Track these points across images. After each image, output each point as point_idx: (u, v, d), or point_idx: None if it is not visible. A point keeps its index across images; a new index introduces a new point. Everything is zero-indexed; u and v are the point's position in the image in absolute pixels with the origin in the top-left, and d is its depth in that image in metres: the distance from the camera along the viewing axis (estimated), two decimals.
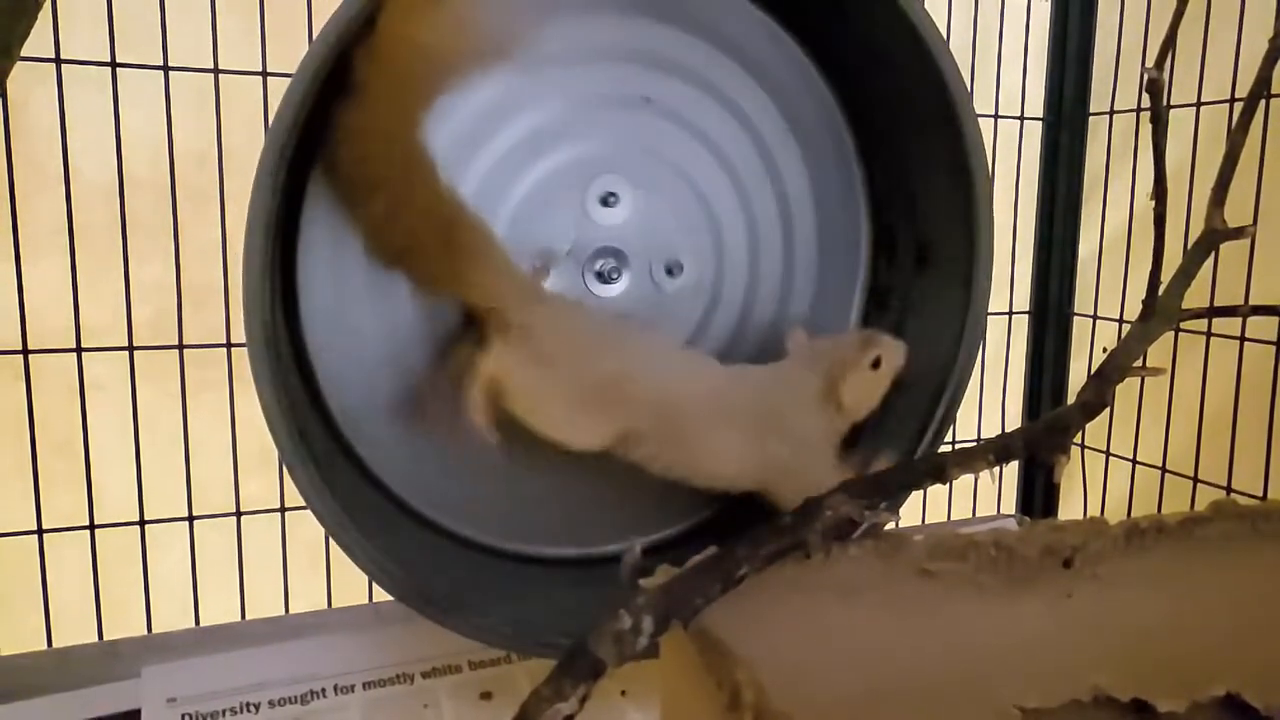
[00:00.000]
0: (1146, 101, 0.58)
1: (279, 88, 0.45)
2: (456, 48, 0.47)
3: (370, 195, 0.48)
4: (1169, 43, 0.57)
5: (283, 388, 0.47)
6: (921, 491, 0.69)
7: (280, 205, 0.46)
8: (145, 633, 0.62)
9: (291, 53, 0.46)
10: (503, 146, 0.55)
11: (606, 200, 0.57)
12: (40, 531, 0.60)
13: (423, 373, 0.54)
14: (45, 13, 0.39)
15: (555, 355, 0.51)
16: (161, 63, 0.59)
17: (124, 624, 0.62)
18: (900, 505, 0.57)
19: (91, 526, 0.61)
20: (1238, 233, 0.56)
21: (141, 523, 0.62)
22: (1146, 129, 0.58)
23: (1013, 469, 0.90)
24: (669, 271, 0.59)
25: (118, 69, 0.58)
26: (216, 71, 0.60)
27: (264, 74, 0.61)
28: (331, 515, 0.48)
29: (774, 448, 0.54)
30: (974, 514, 0.85)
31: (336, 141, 0.47)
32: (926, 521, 0.82)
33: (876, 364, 0.56)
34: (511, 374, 0.50)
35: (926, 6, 0.56)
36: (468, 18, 0.47)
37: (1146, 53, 0.75)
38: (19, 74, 0.40)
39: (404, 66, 0.46)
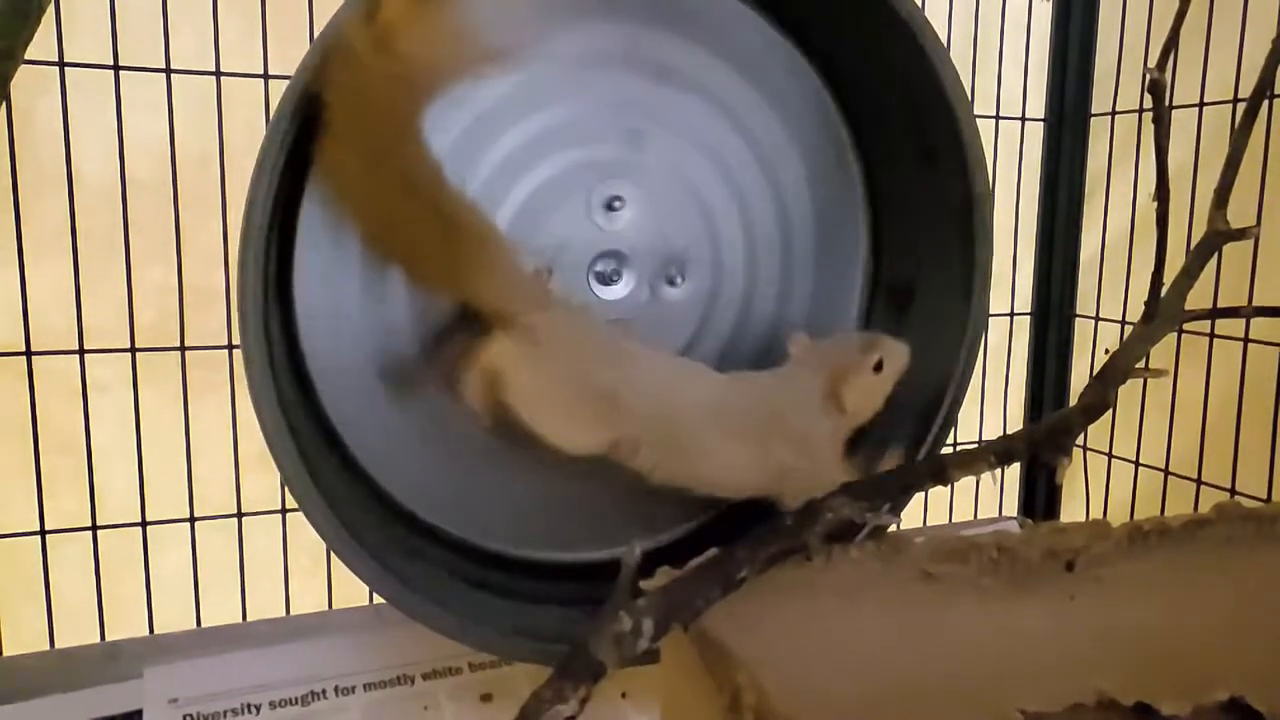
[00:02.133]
0: (1149, 102, 0.57)
1: (280, 90, 0.45)
2: (443, 57, 0.46)
3: (365, 213, 0.48)
4: (1171, 43, 0.57)
5: (280, 407, 0.47)
6: (923, 493, 0.69)
7: (274, 217, 0.47)
8: (147, 633, 0.63)
9: (293, 56, 0.46)
10: (507, 147, 0.55)
11: (611, 205, 0.57)
12: (43, 532, 0.60)
13: (416, 357, 0.54)
14: (48, 16, 0.39)
15: (557, 359, 0.51)
16: (164, 66, 0.59)
17: (126, 625, 0.62)
18: (902, 507, 0.57)
19: (94, 528, 0.61)
20: (1241, 234, 0.56)
21: (143, 524, 0.62)
22: (1148, 130, 0.58)
23: (1014, 471, 0.90)
24: (670, 281, 0.59)
25: (120, 72, 0.58)
26: (218, 74, 0.61)
27: (265, 76, 0.61)
28: (330, 526, 0.48)
29: (778, 454, 0.54)
30: (975, 516, 0.85)
31: (322, 171, 0.46)
32: (928, 523, 0.82)
33: (879, 366, 0.55)
34: (512, 367, 0.50)
35: (927, 8, 0.56)
36: (452, 26, 0.46)
37: (1149, 53, 0.75)
38: (22, 77, 0.40)
39: (382, 84, 0.45)
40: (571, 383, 0.51)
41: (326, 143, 0.45)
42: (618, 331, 0.56)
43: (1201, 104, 0.72)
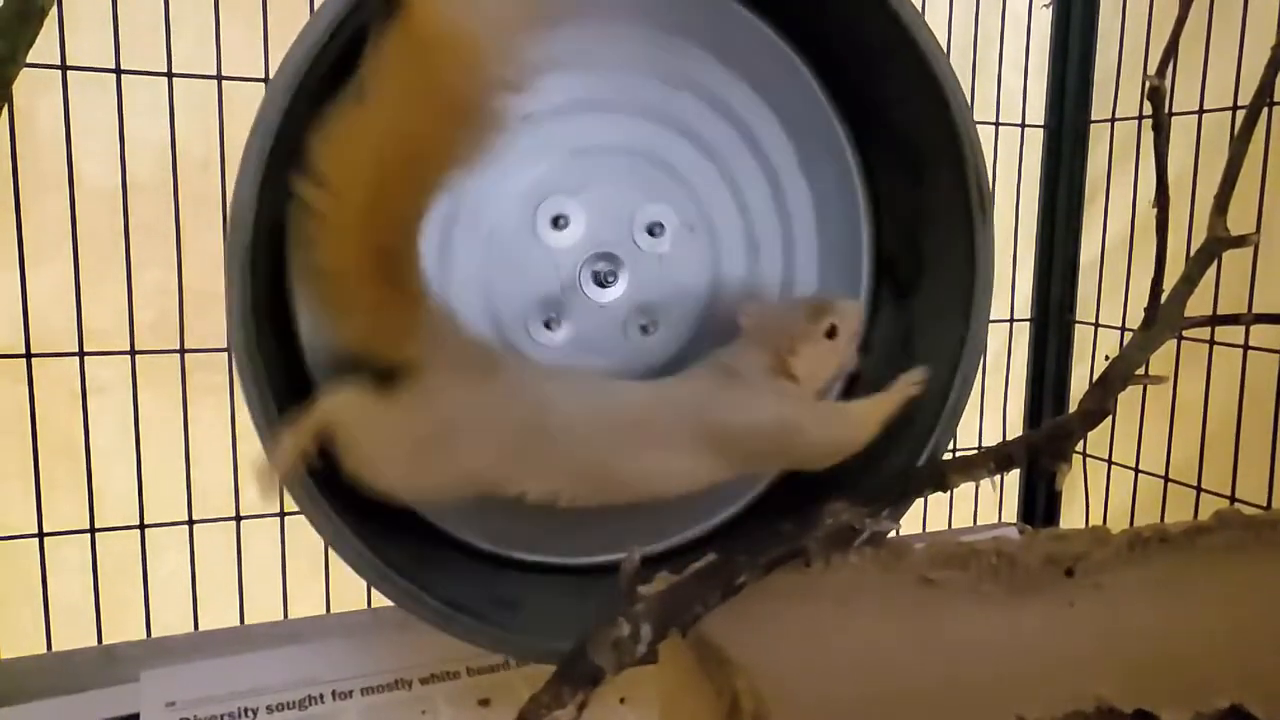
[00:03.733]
0: (1148, 109, 0.58)
1: None
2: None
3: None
4: (1171, 50, 0.57)
5: (272, 404, 0.47)
6: (922, 499, 0.69)
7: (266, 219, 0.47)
8: (145, 637, 0.63)
9: None
10: (606, 88, 0.56)
11: (653, 230, 0.58)
12: (41, 535, 0.60)
13: None
14: (51, 19, 0.39)
15: (450, 432, 0.47)
16: (166, 69, 0.60)
17: (123, 628, 0.62)
18: (902, 513, 0.57)
19: (92, 530, 0.61)
20: (1240, 240, 0.56)
21: (141, 526, 0.62)
22: (1148, 136, 0.58)
23: (1014, 477, 0.90)
24: (644, 329, 0.59)
25: (122, 75, 0.59)
26: (220, 78, 0.61)
27: (266, 80, 0.61)
28: (329, 522, 0.48)
29: (721, 449, 0.51)
30: (975, 522, 0.85)
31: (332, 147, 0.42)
32: (927, 529, 0.82)
33: (832, 332, 0.52)
34: (359, 431, 0.46)
35: (927, 15, 0.56)
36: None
37: (1148, 60, 0.75)
38: (24, 80, 0.40)
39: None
40: (466, 459, 0.47)
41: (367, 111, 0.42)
42: (528, 376, 0.52)
43: (1201, 111, 0.72)
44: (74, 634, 0.61)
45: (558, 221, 0.56)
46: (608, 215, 0.57)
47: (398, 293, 0.46)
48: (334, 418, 0.46)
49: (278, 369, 0.50)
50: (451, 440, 0.47)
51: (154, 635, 0.63)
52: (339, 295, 0.45)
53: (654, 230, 0.58)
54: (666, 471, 0.51)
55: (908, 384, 0.55)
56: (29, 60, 0.40)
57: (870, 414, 0.54)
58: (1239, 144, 0.56)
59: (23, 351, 0.58)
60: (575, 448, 0.49)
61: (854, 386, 0.63)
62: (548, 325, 0.57)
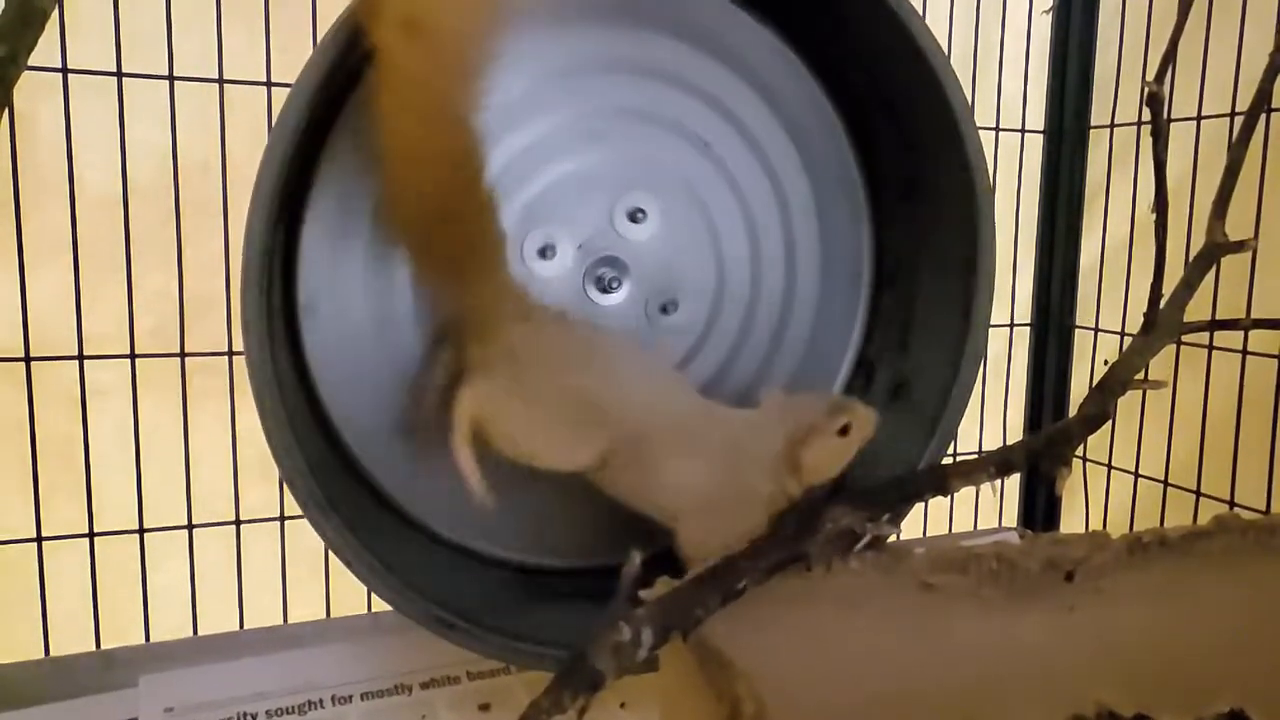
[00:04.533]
0: (1147, 115, 0.58)
1: (283, 98, 0.46)
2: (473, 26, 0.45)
3: (401, 172, 0.47)
4: (1169, 56, 0.57)
5: (282, 407, 0.47)
6: (923, 503, 0.69)
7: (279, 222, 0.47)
8: (143, 642, 0.62)
9: (296, 63, 0.46)
10: (556, 123, 0.55)
11: (635, 216, 0.58)
12: (39, 539, 0.60)
13: (408, 398, 0.54)
14: (52, 22, 0.39)
15: (535, 374, 0.50)
16: (167, 73, 0.60)
17: (122, 633, 0.62)
18: (903, 518, 0.57)
19: (91, 535, 0.61)
20: (1239, 246, 0.56)
21: (141, 531, 0.62)
22: (1147, 142, 0.58)
23: (1014, 481, 0.90)
24: (663, 309, 0.60)
25: (123, 78, 0.59)
26: (221, 81, 0.61)
27: (268, 84, 0.62)
28: (333, 527, 0.48)
29: (712, 487, 0.52)
30: (975, 526, 0.85)
31: (378, 109, 0.45)
32: (928, 534, 0.82)
33: (844, 430, 0.53)
34: (492, 412, 0.49)
35: (928, 21, 0.56)
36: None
37: (1147, 66, 0.75)
38: (25, 83, 0.40)
39: (434, 46, 0.44)
40: (553, 399, 0.50)
41: (384, 93, 0.44)
42: (604, 336, 0.56)
43: (1199, 117, 0.73)
44: (72, 639, 0.61)
45: (545, 253, 0.56)
46: (589, 223, 0.57)
47: (473, 235, 0.49)
48: (478, 413, 0.49)
49: (284, 371, 0.50)
50: (557, 391, 0.50)
51: (153, 640, 0.63)
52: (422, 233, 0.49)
53: (636, 216, 0.58)
54: (681, 481, 0.52)
55: None
56: (30, 63, 0.40)
57: None
58: (1237, 150, 0.56)
59: (22, 355, 0.58)
60: (624, 425, 0.51)
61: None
62: (542, 254, 0.57)
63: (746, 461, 0.53)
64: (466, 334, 0.51)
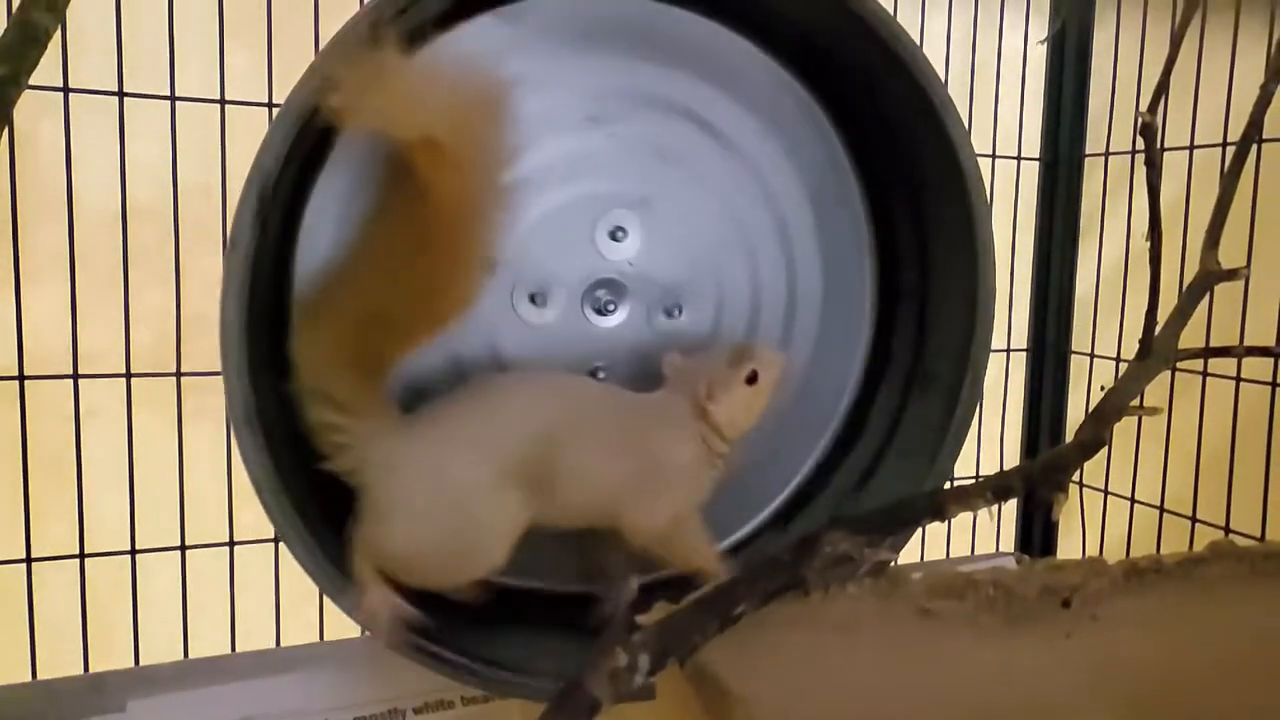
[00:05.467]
0: (1140, 144, 0.58)
1: None
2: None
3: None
4: (1162, 87, 0.58)
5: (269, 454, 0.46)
6: (921, 529, 0.69)
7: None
8: (132, 665, 0.62)
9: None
10: (515, 173, 0.55)
11: (614, 235, 0.58)
12: (29, 560, 0.59)
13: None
14: (54, 41, 0.40)
15: (421, 485, 0.48)
16: (168, 93, 0.60)
17: (111, 656, 0.61)
18: (901, 543, 0.57)
19: (81, 555, 0.60)
20: (1232, 274, 0.57)
21: (132, 552, 0.61)
22: (1141, 170, 0.59)
23: (1011, 507, 0.90)
24: (668, 314, 0.59)
25: (125, 98, 0.59)
26: (223, 102, 0.61)
27: (269, 105, 0.62)
28: (316, 563, 0.47)
29: (625, 470, 0.51)
30: (973, 551, 0.85)
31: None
32: (925, 559, 0.82)
33: (753, 378, 0.52)
34: (385, 546, 0.47)
35: (926, 48, 0.57)
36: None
37: (1140, 96, 0.76)
38: (26, 102, 0.40)
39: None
40: (463, 498, 0.48)
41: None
42: (466, 400, 0.51)
43: (1192, 146, 0.73)
44: (60, 661, 0.60)
45: (535, 299, 0.56)
46: (573, 254, 0.57)
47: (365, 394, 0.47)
48: (375, 560, 0.47)
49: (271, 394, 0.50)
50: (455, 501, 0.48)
51: (142, 663, 0.62)
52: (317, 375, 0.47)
53: (616, 235, 0.58)
54: (588, 472, 0.50)
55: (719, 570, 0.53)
56: (30, 82, 0.40)
57: (706, 555, 0.53)
58: (1229, 179, 0.57)
59: (16, 373, 0.58)
60: (530, 464, 0.49)
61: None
62: (533, 300, 0.57)
63: (653, 436, 0.51)
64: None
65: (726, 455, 0.53)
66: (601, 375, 0.59)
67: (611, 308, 0.58)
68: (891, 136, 0.61)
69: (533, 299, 0.56)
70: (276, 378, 0.49)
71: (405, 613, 0.47)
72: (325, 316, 0.47)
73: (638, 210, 0.58)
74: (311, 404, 0.47)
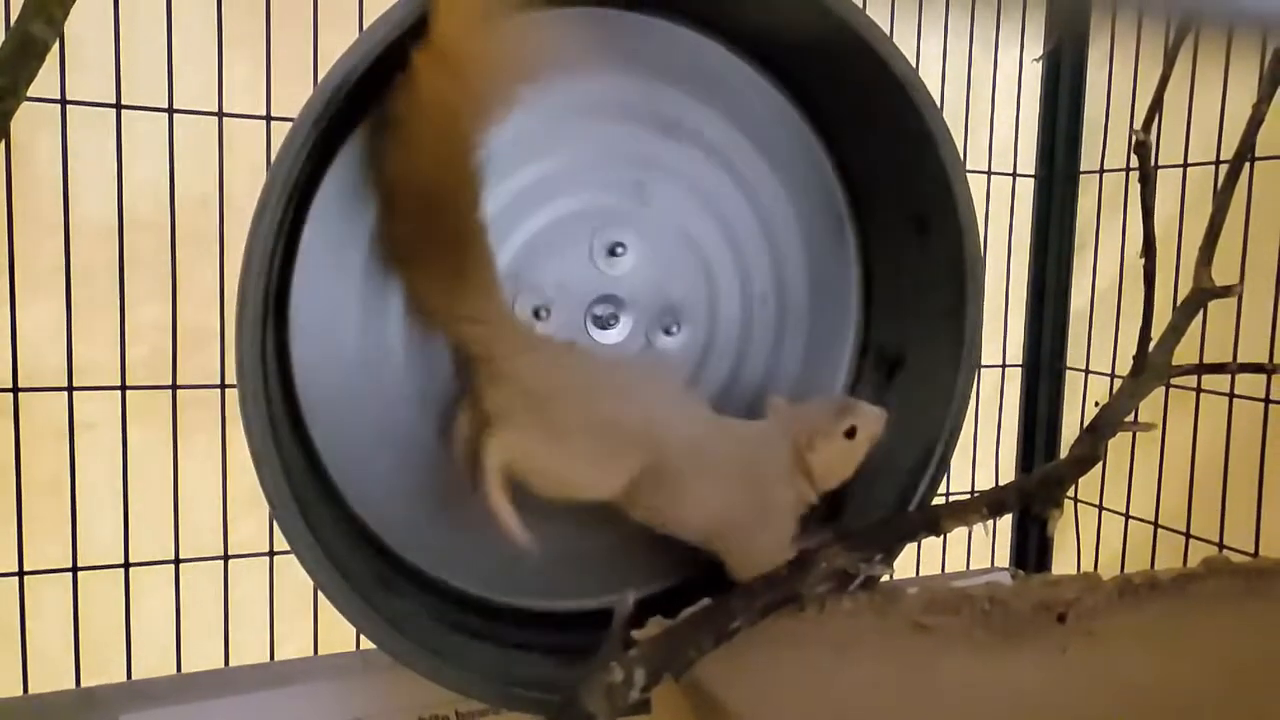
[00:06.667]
0: (1135, 161, 0.59)
1: (283, 132, 0.46)
2: (514, 62, 0.47)
3: (410, 200, 0.48)
4: (1156, 106, 0.58)
5: (274, 442, 0.47)
6: (916, 544, 0.69)
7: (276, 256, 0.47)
8: (125, 679, 0.61)
9: (296, 98, 0.46)
10: (515, 187, 0.55)
11: (614, 250, 0.58)
12: (21, 574, 0.59)
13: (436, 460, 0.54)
14: (52, 53, 0.40)
15: (557, 411, 0.50)
16: (166, 105, 0.60)
17: (103, 670, 0.61)
18: (895, 558, 0.57)
19: (74, 569, 0.60)
20: (1225, 291, 0.57)
21: (126, 565, 0.61)
22: (1135, 187, 0.59)
23: (1007, 522, 0.90)
24: (666, 330, 0.60)
25: (123, 110, 0.59)
26: (221, 115, 0.61)
27: (268, 118, 0.62)
28: (316, 561, 0.47)
29: (738, 503, 0.53)
30: (968, 566, 0.85)
31: (390, 140, 0.47)
32: (920, 573, 0.82)
33: (851, 433, 0.54)
34: (521, 455, 0.49)
35: (922, 66, 0.57)
36: (518, 35, 0.47)
37: (1135, 114, 0.76)
38: (24, 114, 0.40)
39: (466, 78, 0.46)
40: (578, 431, 0.51)
41: (409, 109, 0.46)
42: (614, 360, 0.56)
43: (1185, 164, 0.74)
44: (52, 676, 0.60)
45: (539, 313, 0.57)
46: (574, 272, 0.57)
47: (470, 274, 0.50)
48: (508, 461, 0.49)
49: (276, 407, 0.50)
50: (581, 422, 0.51)
51: (135, 678, 0.61)
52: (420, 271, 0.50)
53: (615, 250, 0.58)
54: (701, 501, 0.52)
55: None
56: (28, 93, 0.40)
57: None
58: (1222, 197, 0.58)
59: (10, 385, 0.58)
60: (647, 449, 0.51)
61: None
62: (536, 314, 0.57)
63: (762, 473, 0.53)
64: (479, 379, 0.51)
65: (812, 505, 0.55)
66: None
67: (613, 322, 0.59)
68: (882, 156, 0.61)
69: (536, 313, 0.57)
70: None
71: (518, 532, 0.49)
72: (405, 254, 0.50)
73: (634, 226, 0.58)
74: (457, 331, 0.50)
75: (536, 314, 0.57)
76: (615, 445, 0.51)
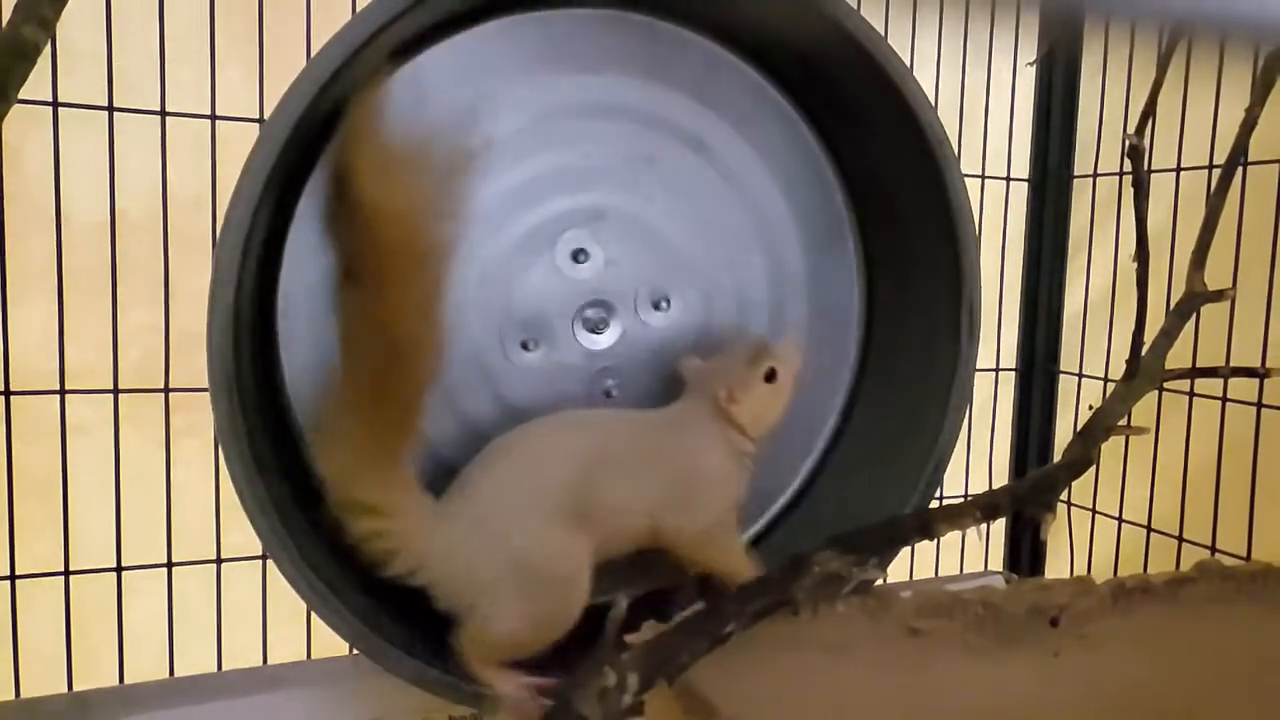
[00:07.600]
0: (1128, 165, 0.59)
1: None
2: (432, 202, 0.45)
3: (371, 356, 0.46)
4: (1149, 110, 0.58)
5: (250, 452, 0.46)
6: (909, 547, 0.69)
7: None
8: (117, 683, 0.61)
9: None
10: (494, 193, 0.55)
11: (577, 256, 0.58)
12: (13, 577, 0.59)
13: None
14: (44, 55, 0.40)
15: (483, 560, 0.48)
16: (159, 108, 0.60)
17: (95, 674, 0.61)
18: (888, 562, 0.57)
19: (66, 572, 0.60)
20: (1218, 295, 0.57)
21: (118, 569, 0.61)
22: (1128, 191, 0.59)
23: (1000, 525, 0.90)
24: (656, 306, 0.59)
25: (115, 113, 0.59)
26: (213, 118, 0.61)
27: (261, 121, 0.62)
28: (294, 564, 0.47)
29: (671, 484, 0.52)
30: (961, 570, 0.85)
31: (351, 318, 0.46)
32: (914, 577, 0.82)
33: (771, 375, 0.53)
34: (497, 635, 0.48)
35: (916, 68, 0.57)
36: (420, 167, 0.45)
37: (1128, 118, 0.77)
38: (15, 116, 0.40)
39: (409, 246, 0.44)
40: (527, 558, 0.49)
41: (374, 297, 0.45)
42: (521, 442, 0.52)
43: (1179, 168, 0.74)
44: (44, 680, 0.59)
45: (526, 345, 0.57)
46: (553, 292, 0.57)
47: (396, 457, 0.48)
48: (491, 647, 0.48)
49: (258, 408, 0.50)
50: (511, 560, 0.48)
51: (127, 682, 0.61)
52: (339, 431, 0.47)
53: (578, 257, 0.58)
54: (626, 504, 0.51)
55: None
56: (19, 95, 0.40)
57: (741, 562, 0.54)
58: (1215, 201, 0.58)
59: (1, 388, 0.57)
60: (575, 501, 0.50)
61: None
62: (525, 346, 0.57)
63: (683, 445, 0.52)
64: (416, 580, 0.49)
65: (753, 453, 0.54)
66: (615, 392, 0.59)
67: (604, 324, 0.58)
68: (883, 157, 0.61)
69: (524, 345, 0.56)
70: (260, 398, 0.48)
71: (536, 683, 0.48)
72: (331, 426, 0.47)
73: (591, 226, 0.58)
74: (351, 519, 0.47)
75: (525, 346, 0.56)
76: (569, 532, 0.49)
